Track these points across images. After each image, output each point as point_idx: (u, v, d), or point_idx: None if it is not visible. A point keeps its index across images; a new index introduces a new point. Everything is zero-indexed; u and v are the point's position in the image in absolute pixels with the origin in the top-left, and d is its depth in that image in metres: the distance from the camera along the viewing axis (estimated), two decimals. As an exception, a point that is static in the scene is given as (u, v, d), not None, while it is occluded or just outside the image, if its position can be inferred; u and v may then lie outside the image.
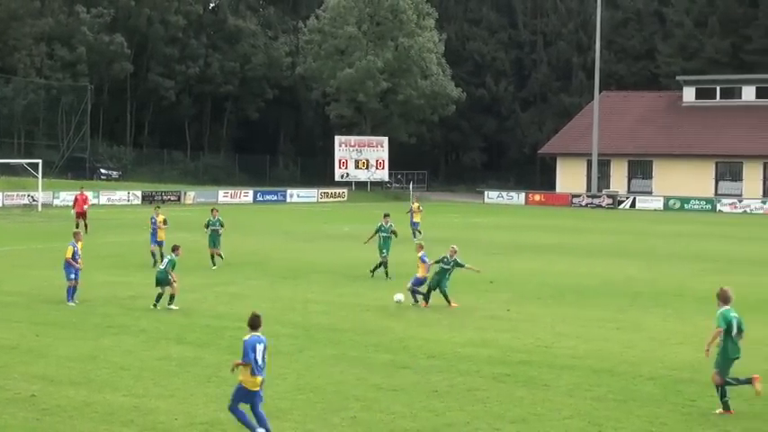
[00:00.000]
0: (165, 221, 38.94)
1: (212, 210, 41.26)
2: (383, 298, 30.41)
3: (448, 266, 29.19)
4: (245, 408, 15.89)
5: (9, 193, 75.32)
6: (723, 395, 17.92)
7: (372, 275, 35.74)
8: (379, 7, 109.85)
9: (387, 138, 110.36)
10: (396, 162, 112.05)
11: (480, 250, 45.03)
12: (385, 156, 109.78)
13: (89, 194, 60.05)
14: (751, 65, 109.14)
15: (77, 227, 51.39)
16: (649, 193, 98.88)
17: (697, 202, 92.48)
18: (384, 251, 35.89)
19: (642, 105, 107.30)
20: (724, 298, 18.13)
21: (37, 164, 73.64)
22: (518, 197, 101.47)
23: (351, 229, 60.91)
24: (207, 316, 27.04)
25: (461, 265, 29.39)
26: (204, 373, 20.30)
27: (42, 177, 73.82)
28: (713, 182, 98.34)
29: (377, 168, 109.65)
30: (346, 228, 61.78)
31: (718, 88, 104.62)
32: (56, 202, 76.73)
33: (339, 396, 18.72)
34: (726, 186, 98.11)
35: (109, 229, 57.55)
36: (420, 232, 51.38)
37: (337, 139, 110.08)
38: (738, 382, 18.01)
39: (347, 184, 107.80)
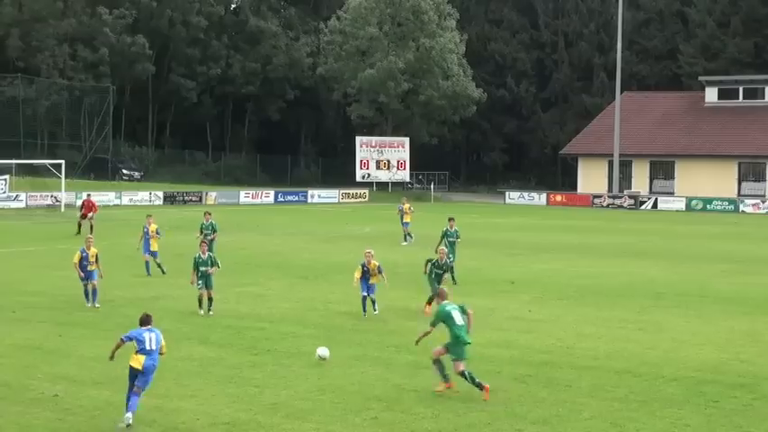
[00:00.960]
0: (157, 231, 36.87)
1: (205, 213, 40.23)
2: (404, 298, 30.39)
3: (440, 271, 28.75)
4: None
5: (33, 194, 75.63)
6: (472, 381, 18.79)
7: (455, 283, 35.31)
8: (400, 8, 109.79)
9: (408, 138, 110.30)
10: (417, 163, 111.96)
11: (501, 251, 45.00)
12: (406, 156, 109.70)
13: (95, 199, 59.73)
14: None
15: (79, 229, 52.43)
16: (671, 193, 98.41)
17: (720, 203, 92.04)
18: (451, 256, 34.62)
19: (664, 106, 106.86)
20: (442, 296, 19.87)
21: (60, 164, 73.92)
22: (539, 198, 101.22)
23: (372, 229, 60.99)
24: (229, 316, 27.09)
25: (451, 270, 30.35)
26: (226, 374, 20.34)
27: (65, 178, 74.11)
28: (736, 182, 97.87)
29: (398, 169, 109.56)
30: (367, 228, 61.84)
31: (740, 89, 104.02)
32: (78, 202, 76.80)
33: (361, 396, 18.73)
34: (749, 187, 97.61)
35: (131, 229, 57.64)
36: (410, 235, 50.61)
37: (358, 139, 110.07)
38: (473, 382, 18.74)
39: (368, 184, 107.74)
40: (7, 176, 71.67)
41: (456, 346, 19.10)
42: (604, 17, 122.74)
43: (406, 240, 49.83)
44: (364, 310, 27.60)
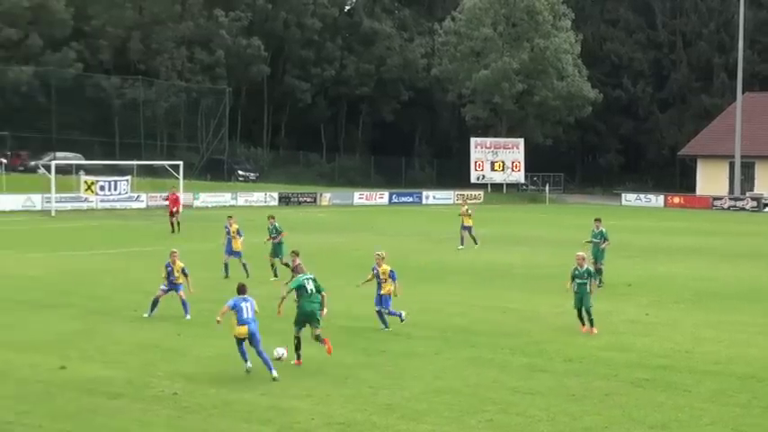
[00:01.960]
0: (238, 231, 36.44)
1: (269, 217, 38.54)
2: (519, 300, 30.19)
3: (584, 279, 25.56)
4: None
5: (153, 194, 76.90)
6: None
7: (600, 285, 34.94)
8: (514, 9, 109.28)
9: (522, 139, 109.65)
10: (531, 164, 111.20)
11: (618, 253, 44.39)
12: (521, 157, 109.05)
13: (180, 194, 60.88)
14: None
15: (172, 227, 54.26)
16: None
17: None
18: (599, 259, 34.24)
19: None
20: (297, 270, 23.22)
21: (178, 165, 75.08)
22: (656, 200, 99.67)
23: (487, 231, 60.70)
24: (344, 317, 27.12)
25: (599, 273, 26.65)
26: (341, 374, 20.38)
27: (183, 179, 75.22)
28: None
29: (513, 170, 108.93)
30: (482, 230, 61.57)
31: None
32: (196, 203, 78.12)
33: (475, 398, 18.62)
34: None
35: (246, 230, 58.22)
36: (475, 240, 48.21)
37: (473, 140, 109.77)
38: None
39: (483, 186, 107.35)
40: (129, 177, 72.97)
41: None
42: (725, 16, 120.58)
43: (462, 244, 47.65)
44: (384, 324, 25.68)
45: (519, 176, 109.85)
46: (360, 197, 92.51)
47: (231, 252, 35.96)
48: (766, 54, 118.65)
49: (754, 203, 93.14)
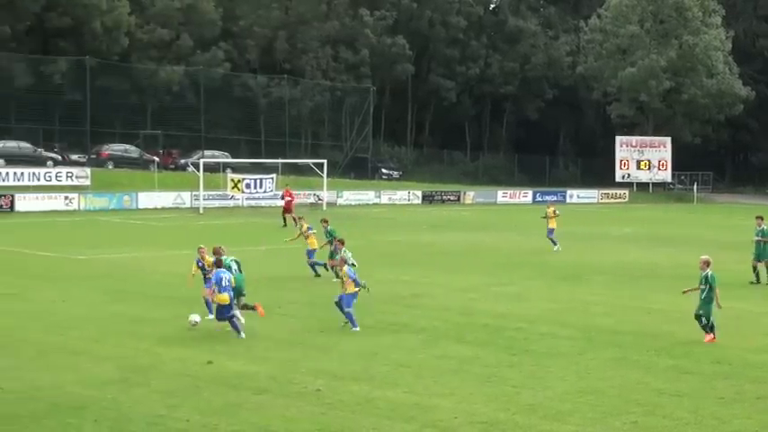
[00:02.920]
0: (309, 228, 35.43)
1: (322, 220, 36.79)
2: (664, 301, 29.66)
3: (705, 287, 23.47)
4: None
5: (297, 192, 77.79)
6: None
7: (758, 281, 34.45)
8: (662, 5, 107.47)
9: (669, 138, 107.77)
10: (678, 163, 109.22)
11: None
12: (668, 156, 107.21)
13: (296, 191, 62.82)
14: None
15: (285, 221, 56.64)
16: None
17: None
18: (762, 257, 33.84)
19: None
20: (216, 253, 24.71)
21: (322, 164, 75.81)
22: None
23: (632, 230, 59.89)
24: (486, 315, 27.05)
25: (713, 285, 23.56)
26: (483, 373, 20.28)
27: (327, 177, 75.92)
28: None
29: (659, 169, 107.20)
30: (627, 229, 60.77)
31: None
32: (339, 201, 78.80)
33: (620, 400, 18.33)
34: None
35: (390, 227, 58.66)
36: (555, 243, 45.80)
37: (618, 139, 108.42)
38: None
39: (628, 185, 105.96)
40: (274, 175, 73.92)
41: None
42: None
43: (556, 246, 45.60)
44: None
45: (665, 175, 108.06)
46: (503, 195, 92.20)
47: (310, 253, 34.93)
48: None
49: None
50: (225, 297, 22.95)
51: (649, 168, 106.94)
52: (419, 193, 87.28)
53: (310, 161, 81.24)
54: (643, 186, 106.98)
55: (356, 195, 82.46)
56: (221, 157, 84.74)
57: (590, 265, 39.79)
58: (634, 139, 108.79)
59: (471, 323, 25.93)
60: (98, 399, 17.65)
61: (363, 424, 16.60)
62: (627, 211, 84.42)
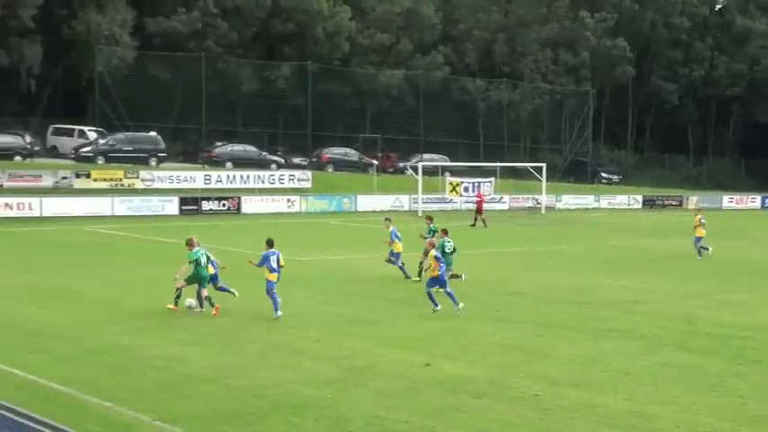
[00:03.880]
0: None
1: (427, 218, 36.96)
2: None
3: None
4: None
5: (515, 196, 77.66)
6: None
7: None
8: None
9: None
10: None
11: None
12: None
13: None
14: None
15: (474, 222, 59.86)
16: None
17: None
18: None
19: None
20: (190, 244, 25.91)
21: (541, 167, 75.31)
22: None
23: None
24: (710, 323, 26.24)
25: None
26: (707, 382, 19.65)
27: (546, 180, 75.38)
28: None
29: None
30: None
31: None
32: (558, 205, 78.11)
33: None
34: None
35: (610, 232, 57.80)
36: (706, 249, 42.90)
37: None
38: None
39: None
40: (492, 179, 73.90)
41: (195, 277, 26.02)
42: None
43: (700, 255, 42.78)
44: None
45: None
46: (729, 201, 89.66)
47: (393, 254, 34.31)
48: None
49: None
50: (272, 276, 25.75)
51: None
52: (639, 198, 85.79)
53: (529, 165, 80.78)
54: None
55: (575, 199, 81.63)
56: (440, 161, 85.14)
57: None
58: None
59: (694, 331, 25.19)
60: (318, 398, 17.87)
61: (582, 431, 16.29)
62: None
